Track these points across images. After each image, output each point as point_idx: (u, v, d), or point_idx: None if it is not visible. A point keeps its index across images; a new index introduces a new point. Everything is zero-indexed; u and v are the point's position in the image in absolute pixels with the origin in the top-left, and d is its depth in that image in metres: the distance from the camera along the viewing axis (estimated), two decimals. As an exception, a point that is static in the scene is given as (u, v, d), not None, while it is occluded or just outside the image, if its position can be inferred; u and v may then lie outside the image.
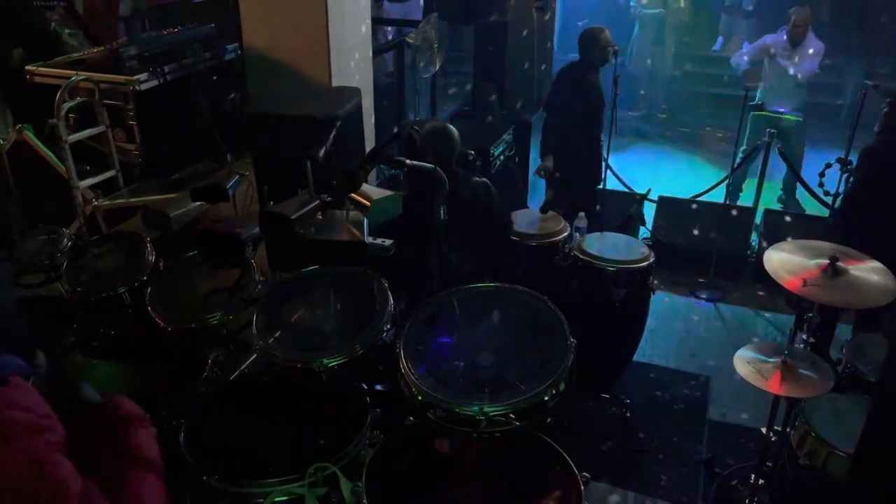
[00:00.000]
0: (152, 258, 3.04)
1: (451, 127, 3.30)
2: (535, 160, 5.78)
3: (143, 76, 3.90)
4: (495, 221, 3.42)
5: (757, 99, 6.10)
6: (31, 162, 4.11)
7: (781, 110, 5.96)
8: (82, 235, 3.78)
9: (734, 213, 5.39)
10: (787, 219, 5.36)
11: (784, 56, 5.95)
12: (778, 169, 5.87)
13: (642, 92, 8.68)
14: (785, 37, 5.98)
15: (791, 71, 5.91)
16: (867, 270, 2.84)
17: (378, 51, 5.04)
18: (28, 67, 4.14)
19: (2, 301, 1.33)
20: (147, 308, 2.79)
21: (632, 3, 8.71)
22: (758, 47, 6.18)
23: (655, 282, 3.74)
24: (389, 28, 6.08)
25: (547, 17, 6.30)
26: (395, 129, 4.92)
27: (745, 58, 6.27)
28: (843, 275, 2.80)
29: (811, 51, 5.91)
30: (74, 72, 3.93)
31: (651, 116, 8.70)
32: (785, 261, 2.92)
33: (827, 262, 2.83)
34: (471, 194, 3.21)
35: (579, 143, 4.81)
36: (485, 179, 3.31)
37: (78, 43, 4.63)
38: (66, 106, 3.78)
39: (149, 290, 2.87)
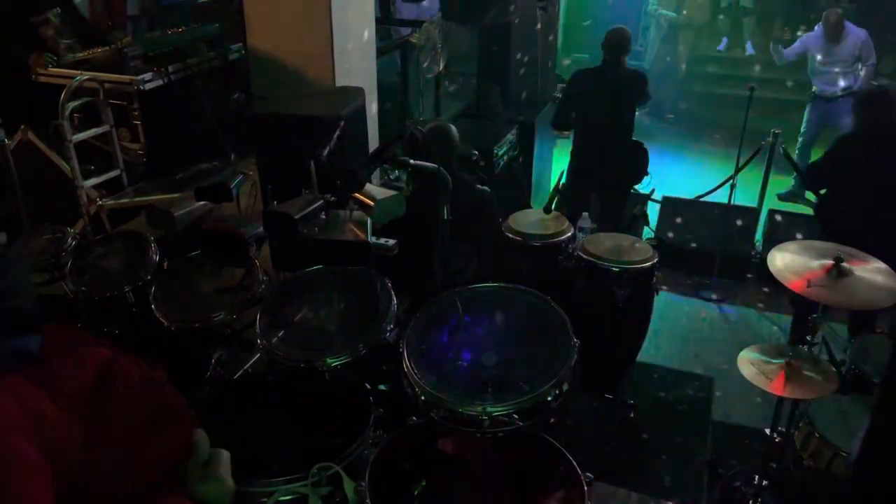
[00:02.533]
0: (156, 257, 3.05)
1: (452, 127, 3.26)
2: (538, 160, 5.79)
3: (147, 76, 3.91)
4: (487, 234, 3.37)
5: (811, 87, 6.57)
6: (35, 162, 4.13)
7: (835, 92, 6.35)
8: (86, 235, 3.79)
9: (738, 213, 5.38)
10: (792, 219, 5.35)
11: (824, 53, 6.35)
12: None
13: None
14: (822, 36, 6.37)
15: (836, 69, 6.29)
16: (872, 271, 2.84)
17: (382, 51, 5.04)
18: (38, 69, 4.15)
19: (24, 280, 1.30)
20: (151, 307, 2.80)
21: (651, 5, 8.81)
22: (797, 50, 6.67)
23: (665, 281, 3.74)
24: (408, 29, 6.07)
25: (548, 18, 6.30)
26: (402, 131, 4.92)
27: (790, 55, 6.75)
28: (847, 275, 2.79)
29: (852, 43, 6.26)
30: (79, 72, 3.94)
31: (656, 116, 8.69)
32: (789, 262, 2.91)
33: (831, 262, 2.82)
34: (471, 201, 3.17)
35: (618, 143, 4.81)
36: (487, 189, 3.26)
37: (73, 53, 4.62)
38: (71, 106, 3.79)
39: (153, 289, 2.88)
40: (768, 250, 3.07)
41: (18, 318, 1.22)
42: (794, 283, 2.80)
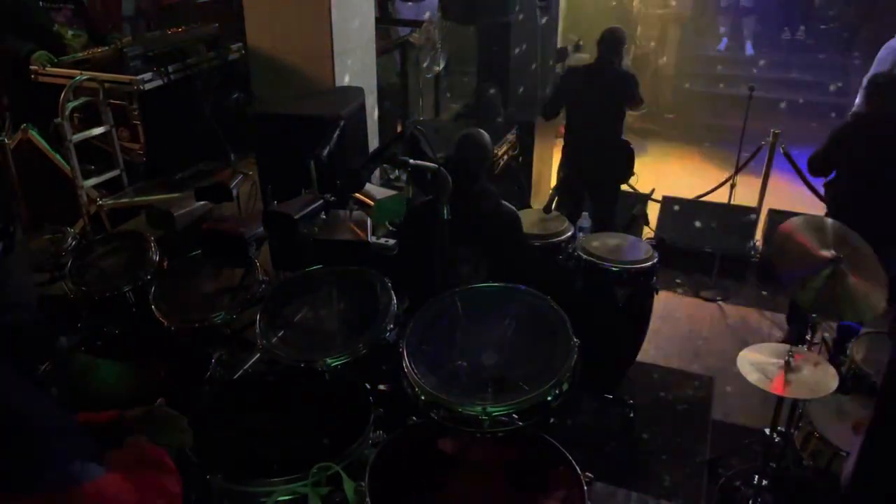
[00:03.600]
0: (156, 257, 3.05)
1: (486, 134, 3.16)
2: (538, 160, 5.79)
3: (147, 76, 3.91)
4: (524, 255, 3.26)
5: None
6: (35, 161, 4.13)
7: None
8: (87, 235, 3.79)
9: (738, 213, 5.38)
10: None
11: None
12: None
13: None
14: None
15: None
16: (866, 276, 2.82)
17: (381, 50, 5.04)
18: (33, 67, 4.16)
19: (25, 291, 1.24)
20: (151, 307, 2.80)
21: None
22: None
23: (665, 281, 3.73)
24: (408, 29, 6.07)
25: (547, 18, 6.30)
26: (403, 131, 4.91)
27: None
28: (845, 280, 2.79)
29: None
30: (79, 71, 3.94)
31: (655, 116, 8.69)
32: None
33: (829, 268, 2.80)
34: (494, 219, 3.11)
35: (606, 141, 4.83)
36: (513, 208, 3.19)
37: (81, 45, 4.64)
38: (71, 105, 3.79)
39: (153, 289, 2.88)
40: (768, 250, 3.06)
41: (18, 333, 1.19)
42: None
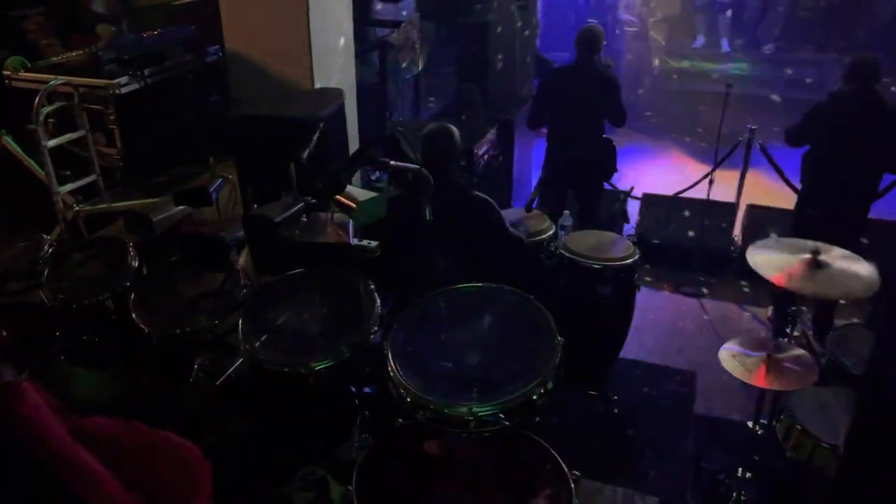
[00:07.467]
0: (135, 263, 3.01)
1: (455, 129, 3.14)
2: (518, 158, 5.81)
3: (122, 79, 3.87)
4: (501, 242, 3.22)
5: None
6: (10, 167, 4.06)
7: None
8: (63, 241, 3.74)
9: (717, 208, 5.43)
10: (769, 213, 5.41)
11: None
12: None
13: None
14: None
15: None
16: (848, 262, 2.88)
17: (360, 52, 5.02)
18: (6, 72, 4.10)
19: None
20: (131, 314, 2.76)
21: None
22: None
23: (646, 278, 3.76)
24: (385, 29, 6.05)
25: (534, 20, 6.33)
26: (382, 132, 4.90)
27: None
28: (825, 268, 2.83)
29: None
30: (53, 76, 3.89)
31: (633, 113, 8.74)
32: (769, 257, 2.95)
33: (809, 256, 2.86)
34: (465, 209, 3.12)
35: (589, 139, 4.84)
36: (486, 197, 3.17)
37: (55, 52, 4.59)
38: (45, 111, 3.74)
39: (132, 295, 2.84)
40: (747, 245, 3.11)
41: None
42: (774, 276, 2.83)
